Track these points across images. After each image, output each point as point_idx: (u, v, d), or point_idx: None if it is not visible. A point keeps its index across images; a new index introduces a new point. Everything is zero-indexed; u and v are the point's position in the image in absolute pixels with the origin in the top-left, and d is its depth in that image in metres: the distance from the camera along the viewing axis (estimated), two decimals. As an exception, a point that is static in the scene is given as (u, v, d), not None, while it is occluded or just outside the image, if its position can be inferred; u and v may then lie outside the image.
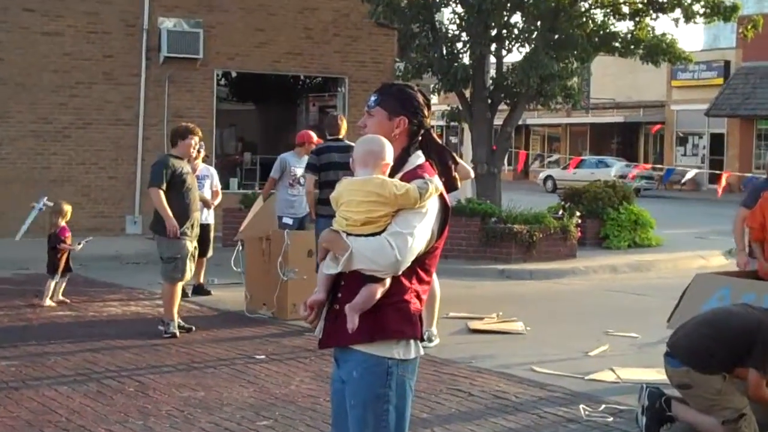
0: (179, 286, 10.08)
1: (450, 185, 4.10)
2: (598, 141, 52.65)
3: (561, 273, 15.46)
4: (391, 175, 3.94)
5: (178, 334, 9.91)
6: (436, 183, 3.90)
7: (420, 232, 3.82)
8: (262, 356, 9.07)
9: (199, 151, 12.81)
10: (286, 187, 12.16)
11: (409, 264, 3.81)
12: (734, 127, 43.78)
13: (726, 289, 7.57)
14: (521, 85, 18.14)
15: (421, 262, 3.90)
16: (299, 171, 11.95)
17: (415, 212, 3.82)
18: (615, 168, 40.03)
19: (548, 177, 44.84)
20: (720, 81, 43.84)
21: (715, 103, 42.32)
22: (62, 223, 11.96)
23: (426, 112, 4.08)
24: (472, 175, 10.26)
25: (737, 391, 6.39)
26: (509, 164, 45.01)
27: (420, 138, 4.08)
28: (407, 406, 3.93)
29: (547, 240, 16.38)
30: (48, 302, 11.70)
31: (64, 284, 11.94)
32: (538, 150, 54.09)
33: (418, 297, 3.94)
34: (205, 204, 12.24)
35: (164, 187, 9.90)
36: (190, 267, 10.12)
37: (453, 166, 4.14)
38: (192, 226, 10.05)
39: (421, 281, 3.94)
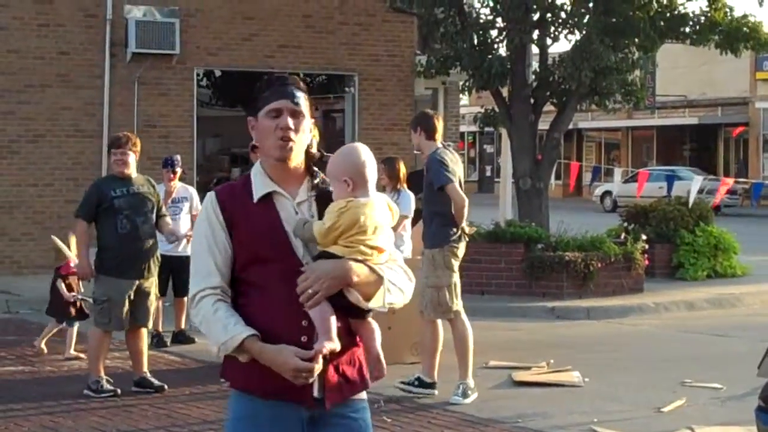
0: (108, 336, 10.13)
1: None
2: (666, 148, 52.58)
3: (625, 311, 15.44)
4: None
5: (119, 391, 9.90)
6: None
7: None
8: (259, 418, 9.06)
9: (174, 169, 12.86)
10: None
11: None
12: (835, 128, 43.76)
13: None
14: (571, 80, 18.16)
15: None
16: None
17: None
18: (695, 183, 39.21)
19: (606, 193, 44.73)
20: (817, 72, 43.83)
21: (811, 99, 42.30)
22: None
23: None
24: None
25: None
26: (558, 178, 44.97)
27: None
28: None
29: (606, 270, 16.36)
30: (71, 351, 11.99)
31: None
32: (594, 161, 53.98)
33: None
34: (173, 234, 11.11)
35: (88, 217, 10.01)
36: (132, 313, 9.98)
37: None
38: (130, 261, 9.93)
39: None
